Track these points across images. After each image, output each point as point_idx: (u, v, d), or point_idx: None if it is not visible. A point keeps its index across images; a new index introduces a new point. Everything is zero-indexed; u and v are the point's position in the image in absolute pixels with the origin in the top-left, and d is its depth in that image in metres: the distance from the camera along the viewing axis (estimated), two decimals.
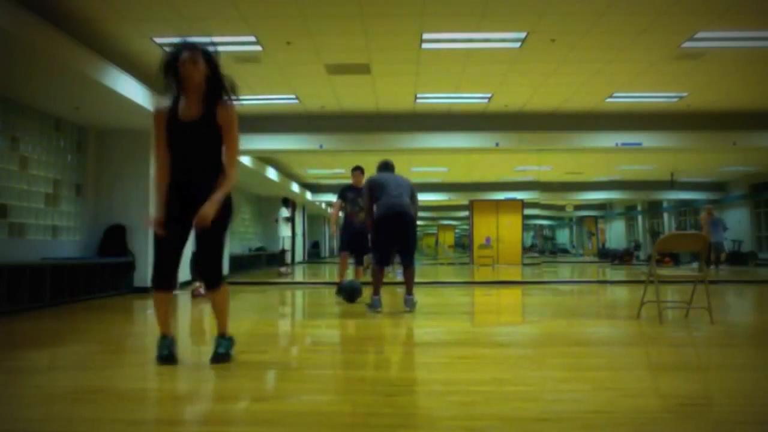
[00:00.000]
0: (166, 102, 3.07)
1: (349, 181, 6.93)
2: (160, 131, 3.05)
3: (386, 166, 5.95)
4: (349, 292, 6.12)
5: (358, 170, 6.90)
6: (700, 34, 6.32)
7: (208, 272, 3.11)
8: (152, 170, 8.00)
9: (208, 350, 3.18)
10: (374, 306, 5.42)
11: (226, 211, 3.07)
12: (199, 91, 3.01)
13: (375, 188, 5.62)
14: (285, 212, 12.45)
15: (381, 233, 5.53)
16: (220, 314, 3.19)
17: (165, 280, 3.06)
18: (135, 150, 7.94)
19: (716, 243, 12.65)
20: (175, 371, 2.94)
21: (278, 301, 7.19)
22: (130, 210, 7.87)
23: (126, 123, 7.62)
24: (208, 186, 2.99)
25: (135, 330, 4.98)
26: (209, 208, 2.91)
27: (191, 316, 5.79)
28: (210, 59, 3.01)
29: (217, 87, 3.03)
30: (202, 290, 6.88)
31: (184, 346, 4.18)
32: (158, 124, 3.05)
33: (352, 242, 6.72)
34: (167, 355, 3.06)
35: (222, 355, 3.11)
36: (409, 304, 5.50)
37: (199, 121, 2.99)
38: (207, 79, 3.00)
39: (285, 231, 12.46)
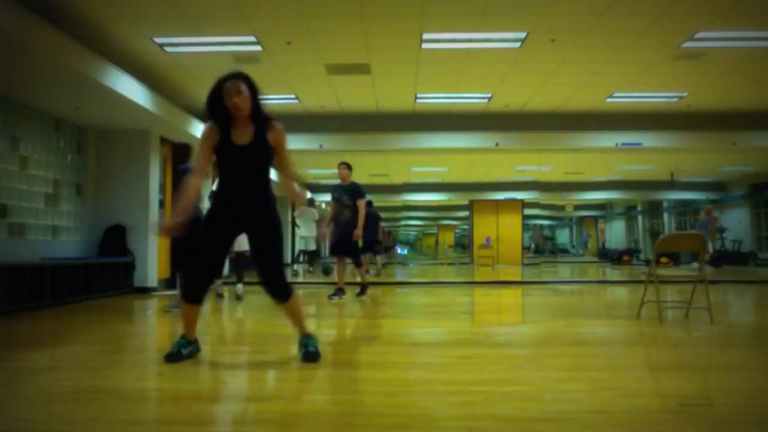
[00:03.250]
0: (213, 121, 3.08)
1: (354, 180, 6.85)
2: (208, 143, 3.06)
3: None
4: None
5: (343, 165, 6.60)
6: (700, 34, 6.33)
7: (275, 284, 3.12)
8: (152, 170, 8.02)
9: (209, 351, 3.17)
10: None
11: (277, 220, 3.16)
12: (248, 117, 3.06)
13: None
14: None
15: None
16: (298, 321, 3.23)
17: (199, 293, 3.08)
18: (135, 150, 7.94)
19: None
20: (176, 371, 2.94)
21: None
22: (130, 210, 7.87)
23: (126, 123, 7.63)
24: (257, 202, 3.09)
25: (135, 330, 4.97)
26: (302, 192, 3.20)
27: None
28: (251, 85, 3.05)
29: (260, 110, 3.10)
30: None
31: None
32: (209, 136, 3.05)
33: (338, 244, 6.67)
34: (174, 353, 3.09)
35: (313, 354, 3.12)
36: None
37: (252, 144, 3.06)
38: (251, 105, 3.05)
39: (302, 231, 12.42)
